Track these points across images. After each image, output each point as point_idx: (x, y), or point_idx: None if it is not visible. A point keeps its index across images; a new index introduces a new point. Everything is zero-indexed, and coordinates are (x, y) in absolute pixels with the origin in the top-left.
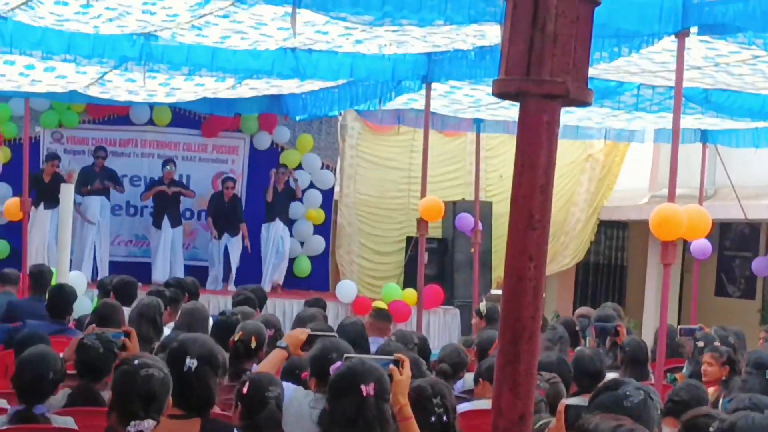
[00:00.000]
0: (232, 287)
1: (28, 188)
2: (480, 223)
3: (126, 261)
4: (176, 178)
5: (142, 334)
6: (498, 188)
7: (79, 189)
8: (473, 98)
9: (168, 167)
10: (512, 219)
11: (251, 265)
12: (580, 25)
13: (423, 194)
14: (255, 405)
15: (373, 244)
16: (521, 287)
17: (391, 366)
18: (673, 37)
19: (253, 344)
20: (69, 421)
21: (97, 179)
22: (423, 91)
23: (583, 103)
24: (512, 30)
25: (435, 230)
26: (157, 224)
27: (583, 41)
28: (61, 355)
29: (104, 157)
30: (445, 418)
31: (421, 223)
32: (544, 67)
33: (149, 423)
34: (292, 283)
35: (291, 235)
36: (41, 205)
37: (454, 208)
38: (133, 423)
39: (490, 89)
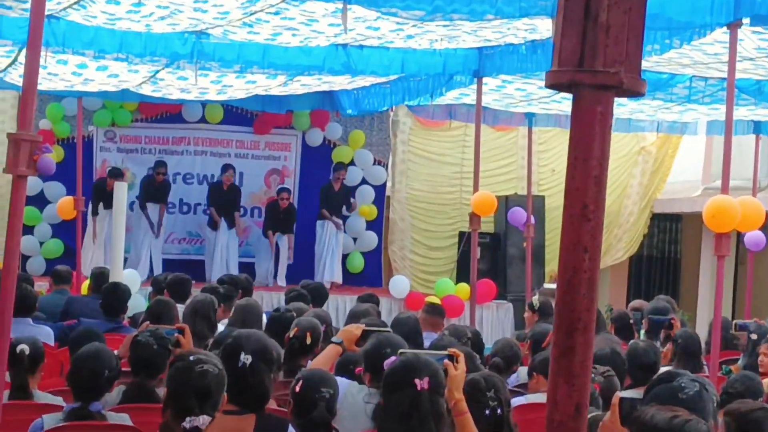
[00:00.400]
0: (281, 283)
1: (91, 195)
2: (532, 217)
3: (179, 258)
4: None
5: (196, 331)
6: (550, 182)
7: (141, 200)
8: (525, 92)
9: (227, 173)
10: (566, 211)
11: (303, 261)
12: (632, 16)
13: (475, 189)
14: (306, 404)
15: (426, 240)
16: (576, 279)
17: (446, 361)
18: (725, 28)
19: (309, 340)
20: (125, 418)
21: (156, 192)
22: (474, 86)
23: (637, 94)
24: (565, 21)
25: (487, 225)
26: (214, 226)
27: (635, 31)
28: (116, 352)
29: (164, 173)
30: (499, 411)
31: (474, 217)
32: (597, 58)
33: (204, 419)
34: (345, 279)
35: (344, 231)
36: (100, 205)
37: (506, 202)
38: (188, 419)
39: (541, 83)
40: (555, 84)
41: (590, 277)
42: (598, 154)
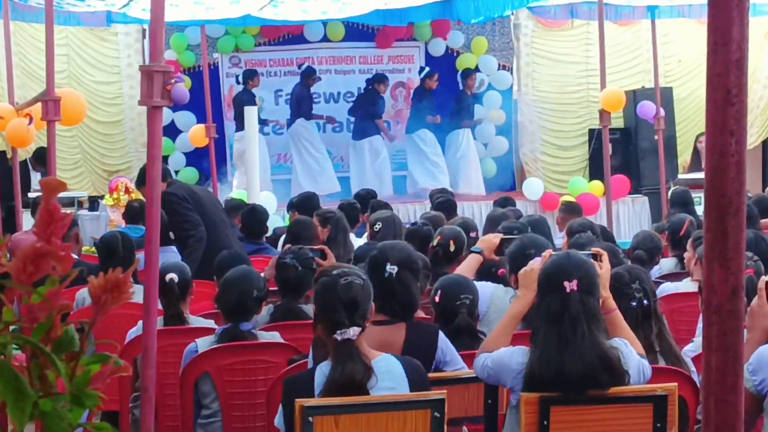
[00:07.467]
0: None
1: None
2: (662, 110)
3: None
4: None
5: (337, 247)
6: (677, 73)
7: (299, 112)
8: None
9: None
10: (709, 96)
11: None
12: None
13: (602, 86)
14: (448, 312)
15: (556, 140)
16: (724, 164)
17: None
18: None
19: (452, 248)
20: (275, 336)
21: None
22: None
23: None
24: None
25: (617, 120)
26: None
27: None
28: (262, 274)
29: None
30: (645, 302)
31: (603, 114)
32: None
33: (354, 330)
34: None
35: (474, 138)
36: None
37: (634, 96)
38: (338, 331)
39: None
40: None
41: (738, 160)
42: (738, 37)
